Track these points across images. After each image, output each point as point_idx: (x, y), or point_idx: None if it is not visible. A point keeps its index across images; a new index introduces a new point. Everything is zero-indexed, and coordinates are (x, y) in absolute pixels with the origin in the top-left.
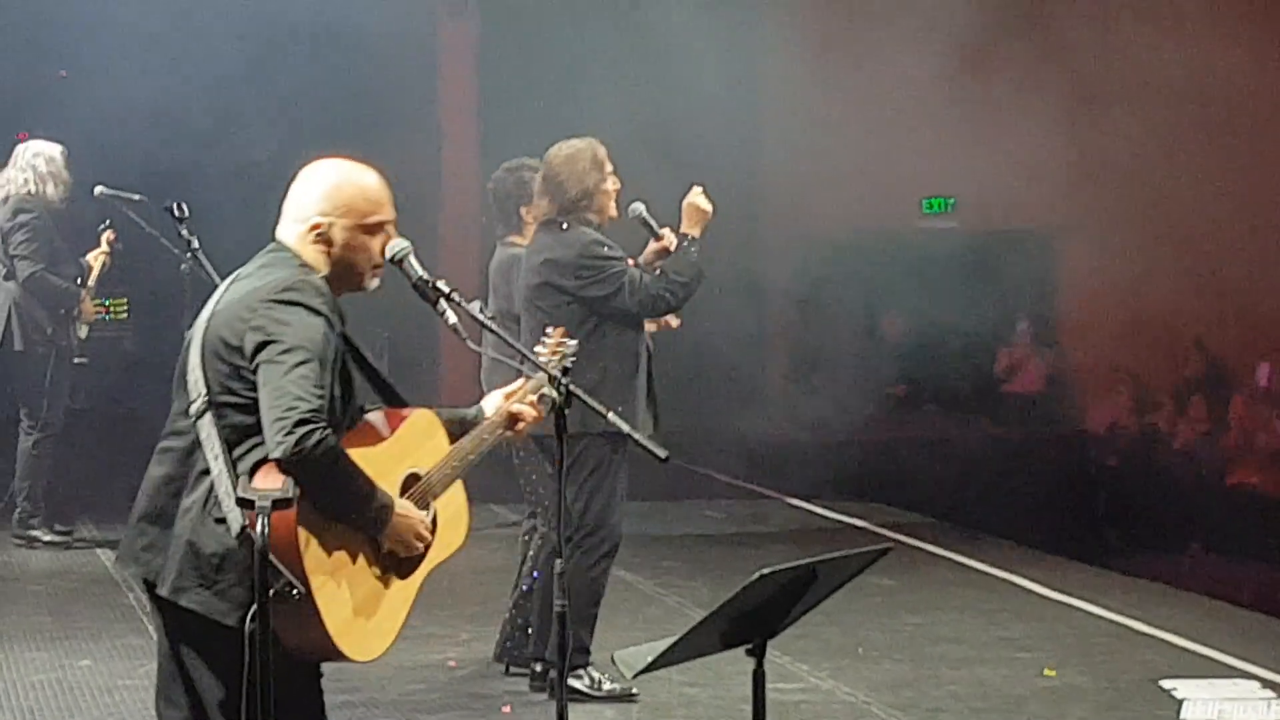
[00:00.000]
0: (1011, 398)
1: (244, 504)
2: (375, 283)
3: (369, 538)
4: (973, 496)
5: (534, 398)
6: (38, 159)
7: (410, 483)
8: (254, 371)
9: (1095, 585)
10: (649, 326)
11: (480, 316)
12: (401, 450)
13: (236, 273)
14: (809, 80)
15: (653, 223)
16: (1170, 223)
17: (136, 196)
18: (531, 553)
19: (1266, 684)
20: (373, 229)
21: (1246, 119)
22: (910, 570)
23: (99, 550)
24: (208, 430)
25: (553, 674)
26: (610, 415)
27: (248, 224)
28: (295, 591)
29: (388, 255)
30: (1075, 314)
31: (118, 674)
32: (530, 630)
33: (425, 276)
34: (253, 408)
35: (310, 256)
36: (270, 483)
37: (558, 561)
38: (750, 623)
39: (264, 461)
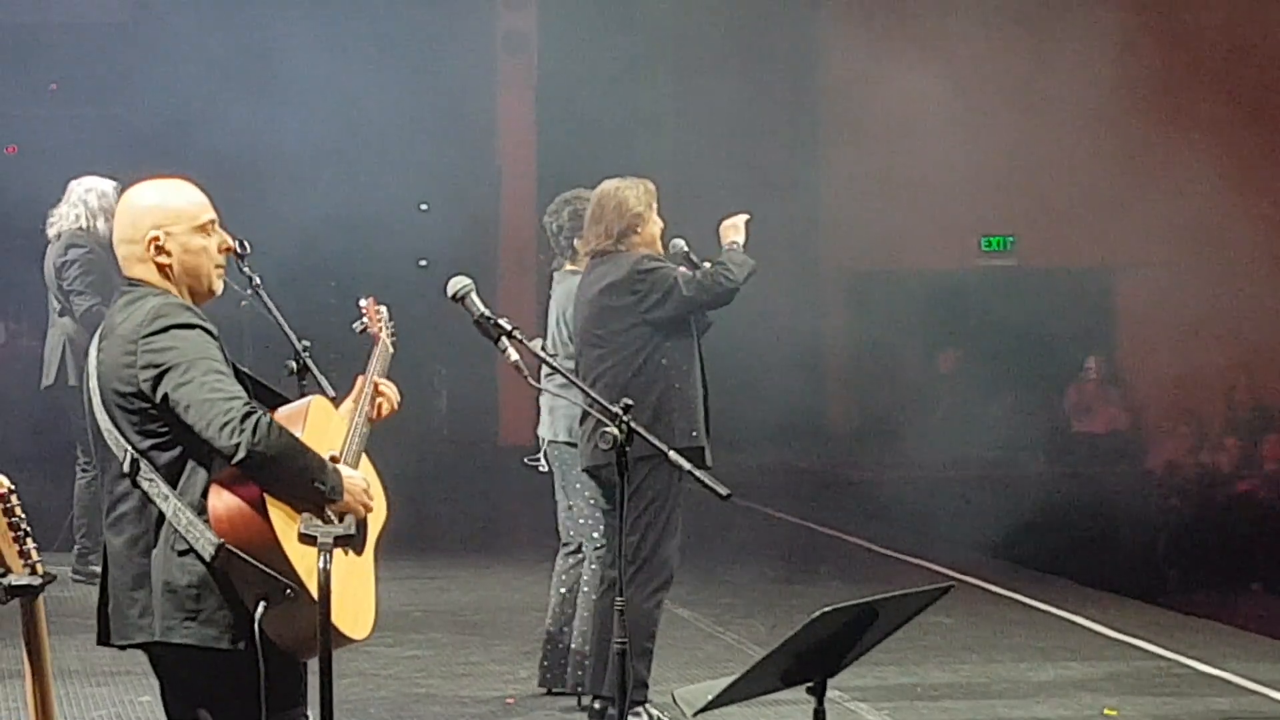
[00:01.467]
0: (1081, 437)
1: (307, 540)
2: (220, 284)
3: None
4: (1033, 535)
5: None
6: (89, 194)
7: (333, 462)
8: (159, 406)
9: (1156, 624)
10: None
11: (542, 353)
12: (318, 436)
13: (101, 327)
14: (868, 120)
15: (694, 258)
16: (1229, 261)
17: None
18: (586, 589)
19: None
20: (205, 229)
21: None
22: (969, 609)
23: None
24: (148, 479)
25: (611, 710)
26: (671, 454)
27: (309, 260)
28: (289, 591)
29: (449, 293)
30: (1135, 352)
31: None
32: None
33: (487, 314)
34: (174, 441)
35: (159, 278)
36: (225, 500)
37: (617, 599)
38: (811, 661)
39: (209, 486)
